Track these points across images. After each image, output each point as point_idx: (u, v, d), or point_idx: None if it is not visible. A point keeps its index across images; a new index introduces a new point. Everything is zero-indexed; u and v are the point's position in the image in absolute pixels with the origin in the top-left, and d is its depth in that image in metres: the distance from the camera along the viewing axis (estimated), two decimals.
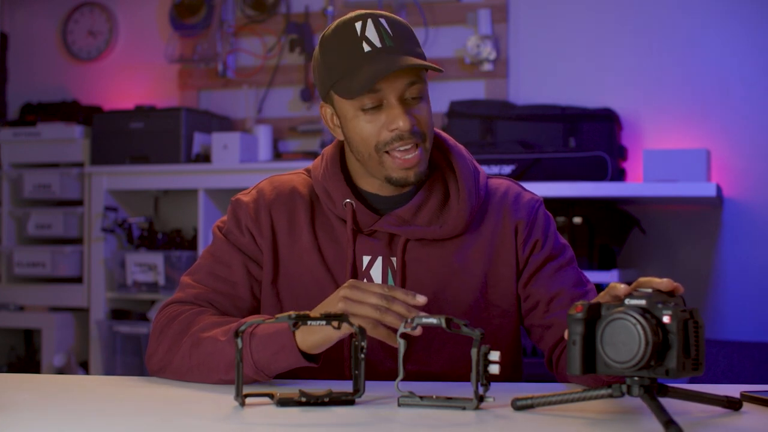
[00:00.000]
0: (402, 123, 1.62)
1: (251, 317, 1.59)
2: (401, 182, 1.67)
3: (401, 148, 1.64)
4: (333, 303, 1.52)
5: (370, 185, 1.74)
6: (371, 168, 1.68)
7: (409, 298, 1.49)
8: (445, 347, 1.71)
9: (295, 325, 1.38)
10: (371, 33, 1.62)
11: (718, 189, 3.42)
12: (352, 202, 1.71)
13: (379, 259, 1.71)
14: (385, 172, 1.67)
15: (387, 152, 1.65)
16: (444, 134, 1.80)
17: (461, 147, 1.79)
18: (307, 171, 1.82)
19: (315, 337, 1.50)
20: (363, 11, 1.66)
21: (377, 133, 1.64)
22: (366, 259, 1.71)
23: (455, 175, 1.73)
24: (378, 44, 1.62)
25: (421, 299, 1.49)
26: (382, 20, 1.64)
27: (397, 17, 1.68)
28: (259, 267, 1.75)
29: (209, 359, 1.58)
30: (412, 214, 1.71)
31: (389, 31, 1.63)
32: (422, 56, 1.66)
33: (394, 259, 1.71)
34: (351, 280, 1.54)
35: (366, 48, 1.62)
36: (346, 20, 1.66)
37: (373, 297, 1.49)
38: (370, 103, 1.63)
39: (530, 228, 1.75)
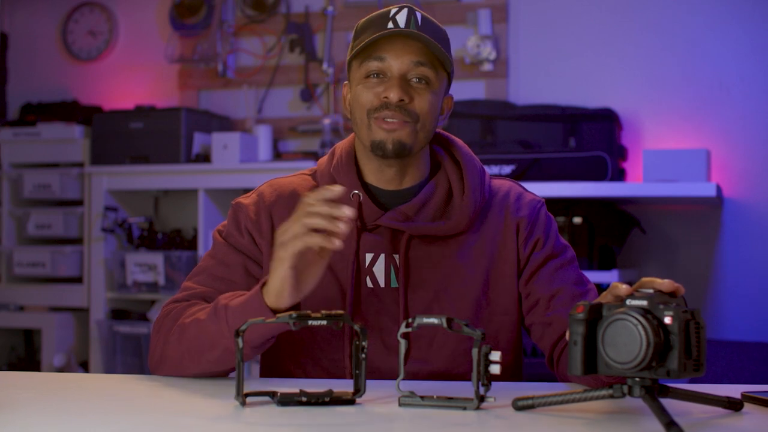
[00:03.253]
0: (392, 94, 1.66)
1: (232, 293, 1.60)
2: (380, 147, 1.69)
3: (387, 118, 1.67)
4: (276, 261, 1.51)
5: (376, 180, 1.75)
6: (362, 134, 1.72)
7: (335, 211, 1.46)
8: (446, 345, 1.72)
9: (295, 324, 1.37)
10: (401, 16, 1.68)
11: (718, 189, 3.42)
12: (360, 193, 1.72)
13: (382, 256, 1.72)
14: (370, 135, 1.70)
15: (375, 118, 1.68)
16: (452, 136, 1.84)
17: (469, 149, 1.82)
18: (311, 172, 1.83)
19: (273, 286, 1.50)
20: (406, 3, 1.73)
21: (372, 99, 1.69)
22: (369, 256, 1.72)
23: (460, 173, 1.76)
24: (402, 25, 1.67)
25: (337, 188, 1.47)
26: (418, 13, 1.70)
27: (436, 22, 1.74)
28: (259, 267, 1.75)
29: (195, 342, 1.60)
30: (416, 211, 1.72)
31: (419, 20, 1.68)
32: (443, 50, 1.69)
33: (396, 257, 1.72)
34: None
35: (390, 25, 1.68)
36: (385, 9, 1.72)
37: (296, 225, 1.48)
38: (374, 73, 1.68)
39: (532, 226, 1.76)
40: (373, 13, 1.73)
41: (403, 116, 1.67)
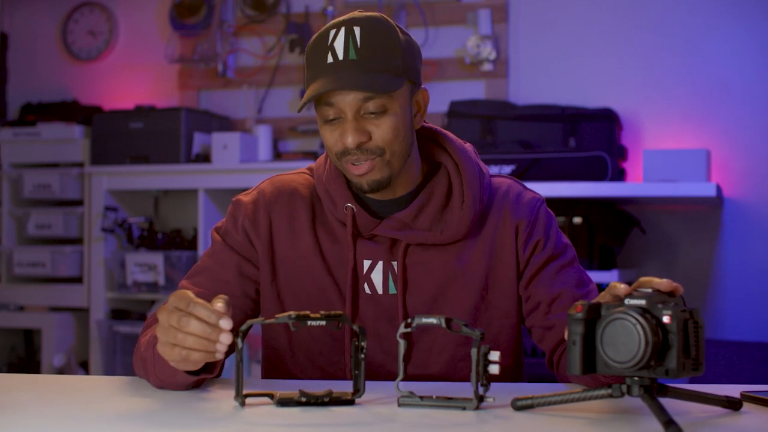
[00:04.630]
0: (349, 140, 1.61)
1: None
2: (359, 188, 1.67)
3: (353, 162, 1.64)
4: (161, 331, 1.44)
5: None
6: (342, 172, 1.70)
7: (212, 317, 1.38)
8: (445, 350, 1.71)
9: (294, 325, 1.37)
10: (339, 43, 1.61)
11: (718, 189, 3.42)
12: (353, 207, 1.70)
13: (380, 264, 1.71)
14: (347, 175, 1.68)
15: (345, 162, 1.65)
16: (450, 134, 1.78)
17: (468, 147, 1.77)
18: (310, 170, 1.82)
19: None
20: (347, 17, 1.64)
21: (335, 143, 1.65)
22: (367, 263, 1.71)
23: (459, 176, 1.72)
24: (341, 56, 1.61)
25: (224, 324, 1.37)
26: (357, 29, 1.61)
27: (382, 22, 1.64)
28: (255, 267, 1.74)
29: (139, 364, 1.61)
30: (413, 218, 1.70)
31: (359, 42, 1.61)
32: (392, 68, 1.61)
33: (395, 263, 1.71)
34: (172, 299, 1.42)
35: (329, 59, 1.61)
36: (327, 26, 1.65)
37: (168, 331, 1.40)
38: (330, 115, 1.64)
39: (531, 228, 1.74)
40: (318, 34, 1.65)
41: (367, 156, 1.63)
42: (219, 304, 1.38)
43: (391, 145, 1.64)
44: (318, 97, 1.61)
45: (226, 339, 1.37)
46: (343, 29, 1.61)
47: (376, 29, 1.62)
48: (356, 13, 1.65)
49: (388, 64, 1.62)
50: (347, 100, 1.61)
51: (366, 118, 1.62)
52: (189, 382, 1.52)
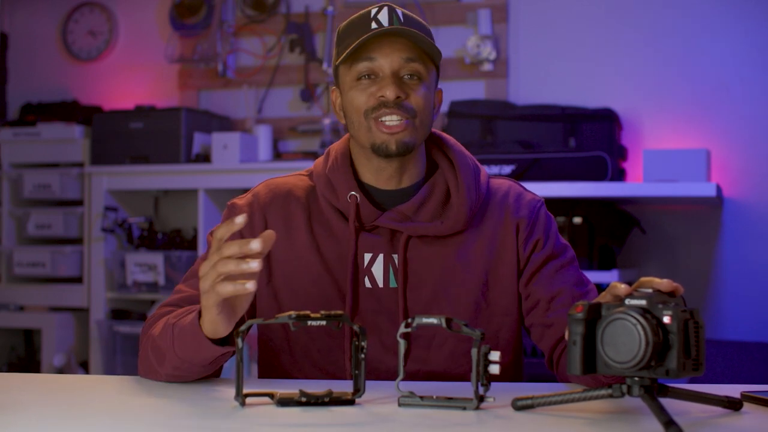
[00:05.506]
0: (389, 92, 1.65)
1: (186, 309, 1.59)
2: (383, 149, 1.68)
3: (385, 117, 1.66)
4: (203, 308, 1.47)
5: (374, 180, 1.74)
6: (361, 137, 1.70)
7: (244, 248, 1.39)
8: (445, 345, 1.72)
9: (294, 324, 1.37)
10: (383, 16, 1.68)
11: (718, 189, 3.42)
12: (357, 195, 1.71)
13: (381, 257, 1.71)
14: (371, 138, 1.69)
15: (374, 119, 1.67)
16: (445, 135, 1.82)
17: (461, 146, 1.81)
18: (307, 172, 1.82)
19: (206, 326, 1.48)
20: (385, 2, 1.72)
21: (367, 100, 1.68)
22: (367, 256, 1.72)
23: (455, 171, 1.75)
24: (386, 24, 1.67)
25: (239, 219, 1.40)
26: (398, 10, 1.69)
27: (417, 17, 1.73)
28: None
29: (153, 355, 1.59)
30: (415, 210, 1.72)
31: (401, 17, 1.68)
32: (431, 43, 1.68)
33: (395, 257, 1.71)
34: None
35: (373, 26, 1.67)
36: (365, 10, 1.71)
37: (210, 273, 1.42)
38: (365, 75, 1.67)
39: (531, 227, 1.75)
40: (353, 16, 1.72)
41: (402, 113, 1.66)
42: (240, 218, 1.39)
43: (422, 112, 1.69)
44: (360, 46, 1.65)
45: (257, 245, 1.37)
46: (386, 8, 1.69)
47: (414, 16, 1.72)
48: (387, 2, 1.72)
49: (428, 39, 1.70)
50: (390, 57, 1.67)
51: (403, 80, 1.68)
52: (213, 356, 1.51)
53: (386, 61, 1.66)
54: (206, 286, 1.43)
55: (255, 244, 1.38)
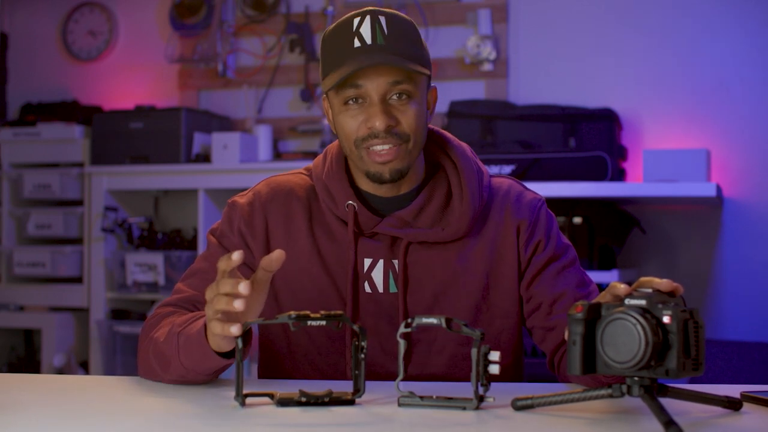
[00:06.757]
0: (378, 123, 1.61)
1: (192, 315, 1.59)
2: (377, 177, 1.66)
3: (377, 147, 1.63)
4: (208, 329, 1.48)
5: (371, 186, 1.72)
6: (354, 162, 1.69)
7: (235, 289, 1.39)
8: (445, 349, 1.71)
9: (294, 325, 1.37)
10: (365, 29, 1.63)
11: (718, 189, 3.42)
12: (355, 204, 1.70)
13: (381, 262, 1.70)
14: (364, 166, 1.66)
15: (365, 148, 1.65)
16: (447, 134, 1.79)
17: (465, 147, 1.77)
18: (307, 170, 1.81)
19: (211, 342, 1.48)
20: (366, 8, 1.66)
21: (357, 128, 1.64)
22: (368, 261, 1.71)
23: (458, 175, 1.72)
24: (369, 41, 1.62)
25: (235, 256, 1.39)
26: (382, 18, 1.64)
27: (403, 16, 1.67)
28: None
29: (156, 360, 1.59)
30: (414, 216, 1.70)
31: (385, 29, 1.63)
32: (417, 57, 1.64)
33: (395, 262, 1.70)
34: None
35: (356, 44, 1.62)
36: (348, 16, 1.66)
37: (209, 307, 1.43)
38: (353, 99, 1.64)
39: (532, 228, 1.74)
40: (338, 23, 1.66)
41: (395, 141, 1.63)
42: (236, 255, 1.39)
43: (415, 133, 1.66)
44: (345, 79, 1.60)
45: (244, 289, 1.36)
46: (368, 17, 1.63)
47: (399, 20, 1.66)
48: (371, 8, 1.67)
49: (414, 52, 1.64)
50: (377, 82, 1.62)
51: (391, 104, 1.64)
52: (218, 366, 1.51)
53: (372, 86, 1.62)
54: (209, 315, 1.44)
55: (243, 288, 1.37)
